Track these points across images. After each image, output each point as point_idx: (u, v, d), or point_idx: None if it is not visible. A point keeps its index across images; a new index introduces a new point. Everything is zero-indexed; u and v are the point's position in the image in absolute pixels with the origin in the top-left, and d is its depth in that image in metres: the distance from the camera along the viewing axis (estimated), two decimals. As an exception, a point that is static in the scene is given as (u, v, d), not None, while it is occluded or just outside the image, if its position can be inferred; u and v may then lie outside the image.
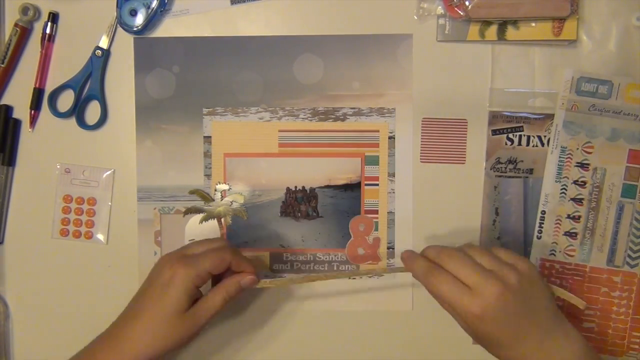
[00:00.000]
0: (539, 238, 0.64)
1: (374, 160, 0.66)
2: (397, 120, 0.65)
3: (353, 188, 0.66)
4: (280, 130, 0.66)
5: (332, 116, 0.66)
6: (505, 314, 0.51)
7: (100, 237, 0.68)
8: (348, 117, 0.66)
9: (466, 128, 0.65)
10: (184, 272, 0.54)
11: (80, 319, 0.68)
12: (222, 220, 0.67)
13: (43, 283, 0.68)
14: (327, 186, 0.66)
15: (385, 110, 0.65)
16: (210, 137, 0.66)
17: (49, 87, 0.67)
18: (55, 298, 0.68)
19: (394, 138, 0.66)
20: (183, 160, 0.67)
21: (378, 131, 0.66)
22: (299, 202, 0.66)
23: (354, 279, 0.66)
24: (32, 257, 0.68)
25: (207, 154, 0.67)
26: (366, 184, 0.66)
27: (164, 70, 0.66)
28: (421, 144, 0.65)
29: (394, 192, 0.66)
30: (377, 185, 0.66)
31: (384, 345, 0.67)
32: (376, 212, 0.66)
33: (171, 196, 0.67)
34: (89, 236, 0.68)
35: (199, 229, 0.67)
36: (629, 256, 0.64)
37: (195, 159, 0.67)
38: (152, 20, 0.65)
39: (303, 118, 0.66)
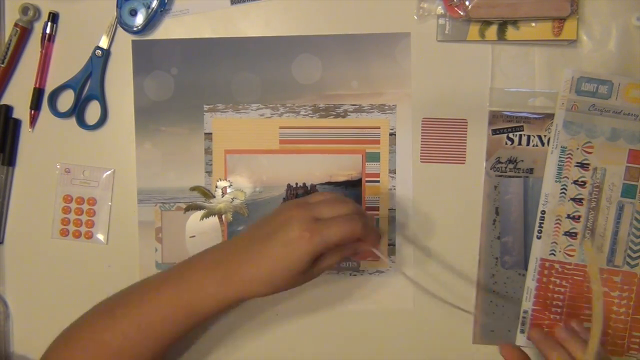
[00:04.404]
0: (539, 238, 0.64)
1: (374, 157, 0.66)
2: (397, 118, 0.65)
3: (354, 185, 0.66)
4: (281, 127, 0.66)
5: (333, 113, 0.66)
6: None
7: (100, 237, 0.68)
8: (349, 113, 0.66)
9: (466, 128, 0.65)
10: (312, 240, 0.52)
11: (81, 319, 0.68)
12: (223, 217, 0.67)
13: (43, 283, 0.68)
14: (328, 183, 0.66)
15: (386, 107, 0.65)
16: (210, 133, 0.66)
17: (49, 87, 0.67)
18: (55, 298, 0.68)
19: (395, 135, 0.66)
20: (183, 162, 0.67)
21: (379, 128, 0.66)
22: (299, 199, 0.67)
23: (354, 275, 0.66)
24: (32, 257, 0.68)
25: (207, 151, 0.67)
26: (367, 181, 0.66)
27: (162, 73, 0.66)
28: (421, 144, 0.65)
29: (394, 189, 0.66)
30: (378, 182, 0.66)
31: (385, 344, 0.67)
32: (377, 209, 0.66)
33: (171, 198, 0.67)
34: (89, 236, 0.68)
35: (200, 225, 0.67)
36: (629, 256, 0.64)
37: (195, 159, 0.67)
38: (152, 20, 0.65)
39: (304, 115, 0.66)
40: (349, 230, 0.53)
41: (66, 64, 0.66)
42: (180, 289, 0.55)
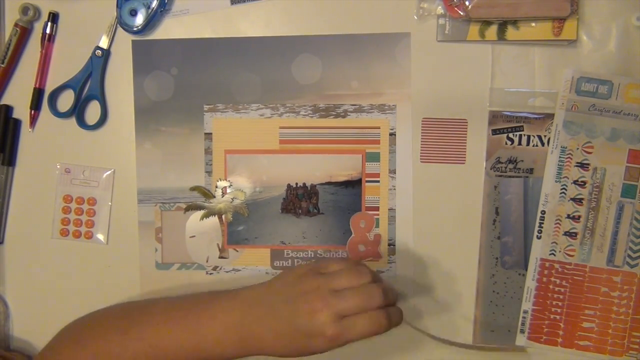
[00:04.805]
0: (539, 238, 0.64)
1: (374, 157, 0.66)
2: (397, 118, 0.65)
3: (354, 185, 0.66)
4: (281, 127, 0.66)
5: (333, 113, 0.66)
6: None
7: (100, 237, 0.68)
8: (349, 113, 0.66)
9: (466, 128, 0.65)
10: (335, 341, 0.52)
11: (81, 319, 0.68)
12: (223, 217, 0.67)
13: (43, 283, 0.68)
14: (328, 183, 0.66)
15: (386, 107, 0.65)
16: (210, 133, 0.67)
17: (49, 87, 0.67)
18: (55, 298, 0.68)
19: (395, 135, 0.66)
20: (183, 162, 0.67)
21: (379, 128, 0.66)
22: (299, 199, 0.67)
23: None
24: (32, 257, 0.68)
25: (207, 151, 0.67)
26: (367, 181, 0.66)
27: (162, 73, 0.66)
28: (421, 144, 0.65)
29: (394, 189, 0.66)
30: (378, 182, 0.66)
31: (385, 344, 0.67)
32: (377, 208, 0.66)
33: (171, 198, 0.67)
34: (89, 236, 0.68)
35: (200, 225, 0.67)
36: (629, 256, 0.64)
37: (195, 159, 0.67)
38: (152, 20, 0.65)
39: (304, 115, 0.66)
40: (375, 331, 0.52)
41: (66, 64, 0.66)
42: (199, 338, 0.55)
